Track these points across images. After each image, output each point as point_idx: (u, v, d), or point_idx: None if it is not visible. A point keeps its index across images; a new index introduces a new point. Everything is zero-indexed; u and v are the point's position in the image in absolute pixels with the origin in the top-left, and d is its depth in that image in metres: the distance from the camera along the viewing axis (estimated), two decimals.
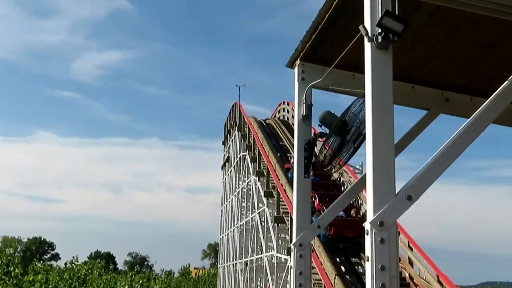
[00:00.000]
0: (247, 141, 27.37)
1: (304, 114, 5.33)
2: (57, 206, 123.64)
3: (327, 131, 5.38)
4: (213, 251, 78.78)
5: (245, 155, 27.32)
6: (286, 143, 27.40)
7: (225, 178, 36.52)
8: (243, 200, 28.64)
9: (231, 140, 34.29)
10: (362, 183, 5.76)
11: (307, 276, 5.12)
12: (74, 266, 42.26)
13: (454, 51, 4.99)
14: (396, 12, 3.44)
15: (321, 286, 13.91)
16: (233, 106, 34.33)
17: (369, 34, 3.45)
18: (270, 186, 21.16)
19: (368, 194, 3.29)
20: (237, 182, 30.72)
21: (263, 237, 21.88)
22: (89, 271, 42.36)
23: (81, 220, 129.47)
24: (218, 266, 38.91)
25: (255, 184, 24.06)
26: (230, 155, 34.45)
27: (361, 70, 3.56)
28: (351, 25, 4.00)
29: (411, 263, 14.80)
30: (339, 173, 18.68)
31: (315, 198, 16.86)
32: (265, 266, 21.35)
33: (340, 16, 4.49)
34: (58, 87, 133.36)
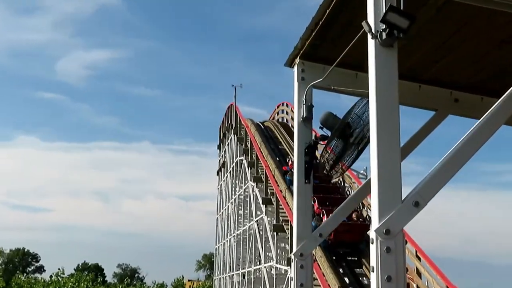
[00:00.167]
0: (244, 145, 27.41)
1: (304, 115, 5.33)
2: (41, 215, 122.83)
3: (329, 133, 5.38)
4: (208, 262, 78.62)
5: (242, 159, 27.35)
6: (285, 147, 27.44)
7: (221, 185, 36.52)
8: (240, 207, 28.65)
9: (227, 144, 34.32)
10: (366, 189, 5.76)
11: None
12: (60, 279, 42.28)
13: (463, 49, 5.00)
14: (402, 7, 3.45)
15: None
16: (228, 107, 34.37)
17: (373, 31, 3.46)
18: (269, 193, 21.18)
19: (373, 200, 3.29)
20: (233, 189, 30.71)
21: (262, 247, 21.88)
22: (76, 284, 42.35)
23: (67, 230, 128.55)
24: (214, 278, 38.85)
25: (253, 190, 24.08)
26: (226, 159, 34.46)
27: (365, 69, 3.56)
28: (354, 21, 4.01)
29: (419, 273, 14.82)
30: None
31: (315, 202, 16.95)
32: (264, 277, 21.34)
33: (342, 11, 4.50)
34: (42, 88, 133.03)
